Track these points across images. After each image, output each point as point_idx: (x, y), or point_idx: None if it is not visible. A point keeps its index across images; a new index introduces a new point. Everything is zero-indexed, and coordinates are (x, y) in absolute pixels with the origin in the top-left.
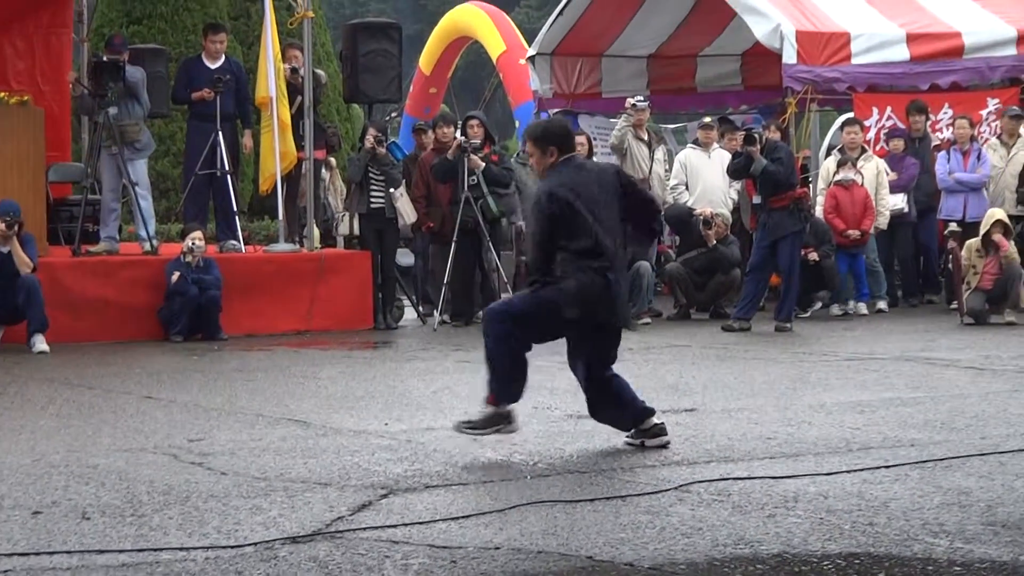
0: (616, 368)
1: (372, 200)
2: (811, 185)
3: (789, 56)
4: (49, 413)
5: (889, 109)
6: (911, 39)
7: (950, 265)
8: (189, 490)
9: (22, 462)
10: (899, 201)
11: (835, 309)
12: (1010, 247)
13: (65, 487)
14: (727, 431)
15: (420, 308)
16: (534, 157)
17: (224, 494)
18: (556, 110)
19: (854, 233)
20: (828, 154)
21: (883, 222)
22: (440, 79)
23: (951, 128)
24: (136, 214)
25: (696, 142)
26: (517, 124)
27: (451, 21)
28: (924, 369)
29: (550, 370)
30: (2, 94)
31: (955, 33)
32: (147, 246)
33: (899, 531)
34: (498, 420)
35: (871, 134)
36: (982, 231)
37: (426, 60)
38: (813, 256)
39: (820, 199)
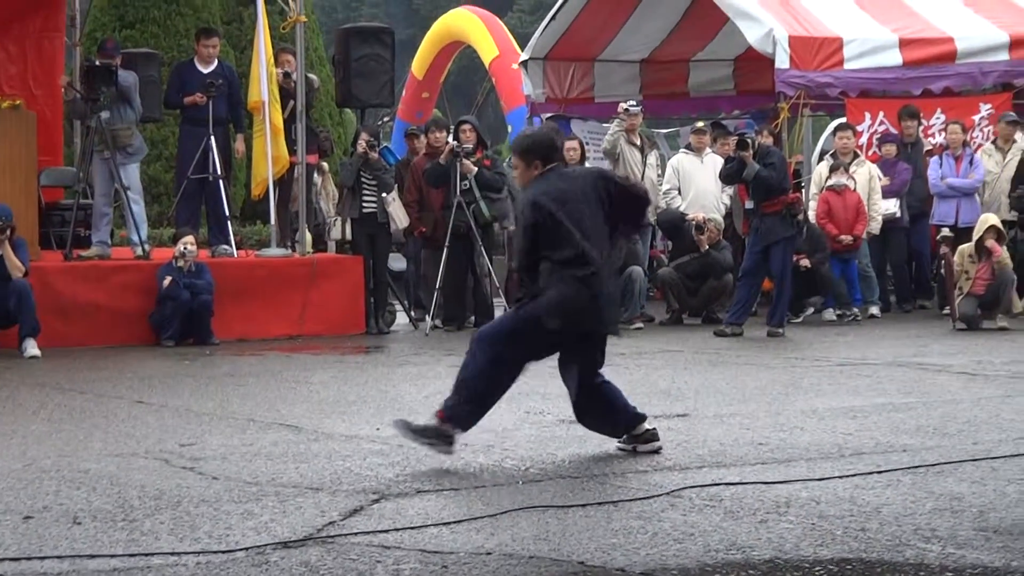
0: (608, 373)
1: (364, 205)
2: (803, 190)
3: (782, 61)
4: (40, 418)
5: (882, 114)
6: (904, 44)
7: (942, 270)
8: (180, 495)
9: (13, 467)
10: (892, 206)
11: (828, 313)
12: (1003, 253)
13: (56, 492)
14: (719, 436)
15: (412, 313)
16: (518, 170)
17: (215, 499)
18: (549, 115)
19: (846, 238)
20: (820, 159)
21: (875, 227)
22: (433, 84)
23: (943, 133)
24: (128, 218)
25: (689, 147)
26: (510, 129)
27: (444, 26)
28: (916, 374)
29: (543, 375)
30: None
31: (948, 38)
32: (139, 251)
33: (891, 537)
34: (438, 436)
35: (863, 139)
36: (975, 237)
37: (419, 65)
38: (804, 263)
39: (813, 204)
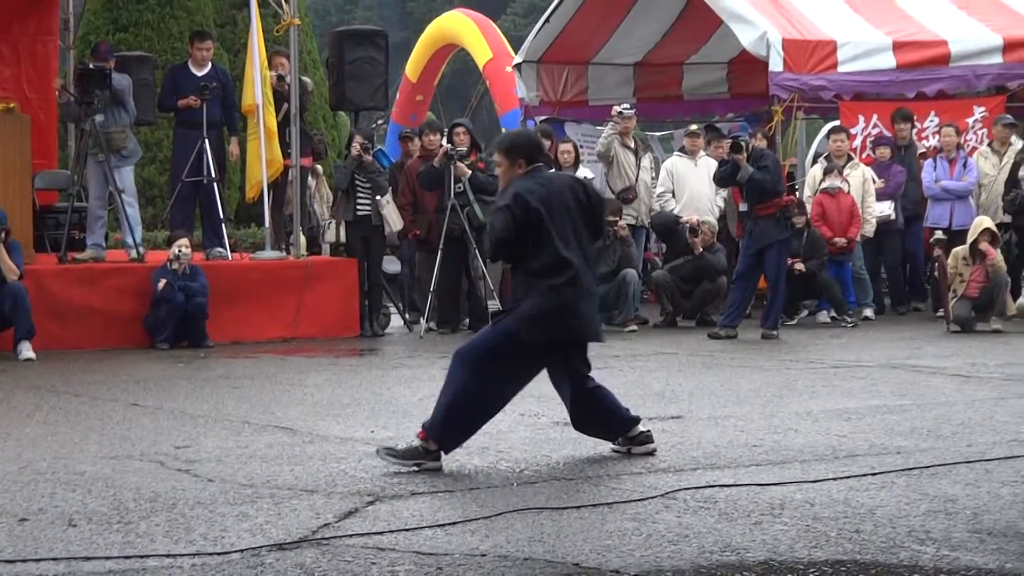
0: (602, 375)
1: (358, 207)
2: (797, 193)
3: (775, 64)
4: (36, 420)
5: (875, 117)
6: (897, 47)
7: (936, 273)
8: (176, 497)
9: (8, 469)
10: (887, 208)
11: (823, 316)
12: (997, 255)
13: (52, 494)
14: (713, 438)
15: (406, 315)
16: (501, 168)
17: (211, 501)
18: (543, 117)
19: (840, 241)
20: (814, 162)
21: (869, 230)
22: (426, 87)
23: (937, 136)
24: (122, 221)
25: (683, 150)
26: (503, 132)
27: (437, 28)
28: (910, 377)
29: (537, 378)
30: None
31: (941, 41)
32: (133, 253)
33: (885, 538)
34: (422, 455)
35: (857, 142)
36: (970, 239)
37: (412, 67)
38: (799, 267)
39: (807, 207)
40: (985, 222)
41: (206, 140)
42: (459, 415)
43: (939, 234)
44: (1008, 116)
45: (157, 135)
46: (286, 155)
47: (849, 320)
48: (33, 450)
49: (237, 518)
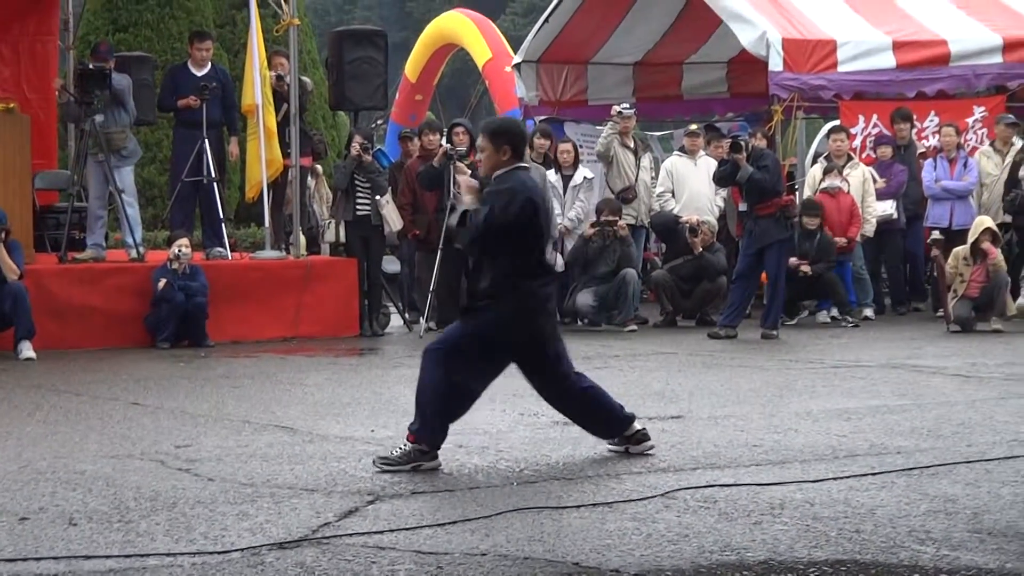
0: (601, 375)
1: (358, 207)
2: (797, 193)
3: (775, 64)
4: (36, 420)
5: (875, 117)
6: (897, 47)
7: (935, 273)
8: (176, 496)
9: (9, 468)
10: (889, 208)
11: (823, 316)
12: (998, 255)
13: (52, 493)
14: (713, 438)
15: (406, 315)
16: (485, 152)
17: (211, 500)
18: (542, 117)
19: (840, 241)
20: (814, 162)
21: (869, 229)
22: (426, 86)
23: (937, 136)
24: (122, 221)
25: (682, 149)
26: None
27: (437, 28)
28: (910, 376)
29: None
30: None
31: (941, 41)
32: (133, 253)
33: (886, 538)
34: (417, 457)
35: (857, 142)
36: (970, 239)
37: (412, 67)
38: (805, 268)
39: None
40: (986, 222)
41: (206, 140)
42: (435, 410)
43: (936, 234)
44: (1010, 116)
45: (157, 135)
46: (286, 155)
47: (850, 320)
48: (34, 449)
49: (237, 517)
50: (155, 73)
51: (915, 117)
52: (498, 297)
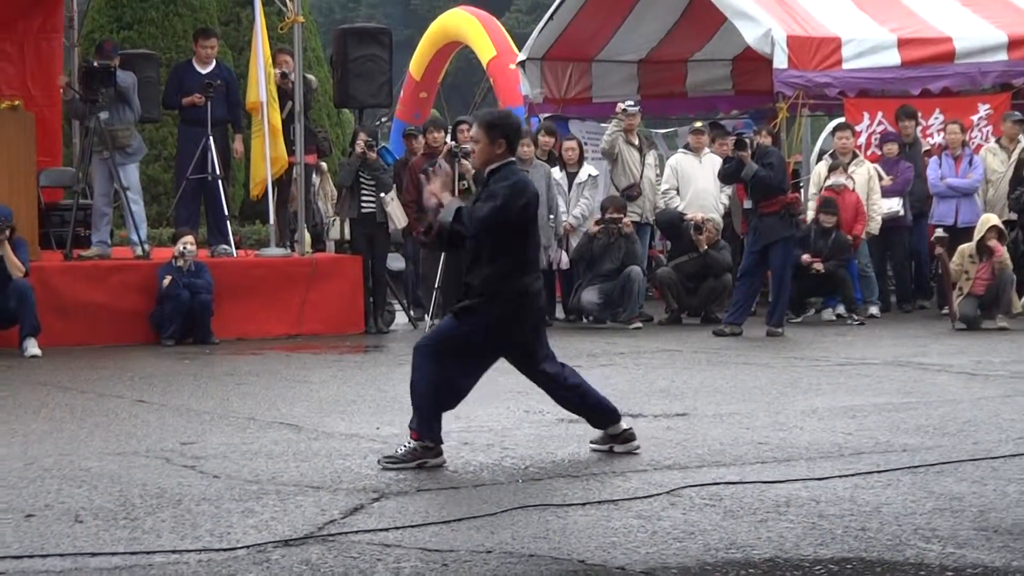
0: (606, 372)
1: (363, 205)
2: (802, 190)
3: (780, 61)
4: (42, 417)
5: (880, 114)
6: (902, 44)
7: (940, 270)
8: (181, 493)
9: (14, 466)
10: (895, 205)
11: (828, 313)
12: (1004, 253)
13: (58, 490)
14: (719, 436)
15: (411, 312)
16: (480, 144)
17: (216, 497)
18: (547, 115)
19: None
20: (819, 159)
21: (875, 227)
22: (430, 84)
23: (942, 133)
24: (127, 218)
25: (687, 147)
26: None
27: (441, 26)
28: (916, 374)
29: None
30: None
31: (946, 38)
32: (139, 250)
33: (891, 536)
34: (422, 454)
35: (862, 139)
36: (976, 237)
37: (416, 65)
38: (818, 266)
39: (811, 204)
40: (992, 219)
41: (210, 138)
42: (431, 404)
43: (939, 232)
44: (1017, 113)
45: (162, 132)
46: (290, 152)
47: (855, 318)
48: (39, 446)
49: (243, 514)
50: (160, 71)
51: (920, 115)
52: (492, 295)
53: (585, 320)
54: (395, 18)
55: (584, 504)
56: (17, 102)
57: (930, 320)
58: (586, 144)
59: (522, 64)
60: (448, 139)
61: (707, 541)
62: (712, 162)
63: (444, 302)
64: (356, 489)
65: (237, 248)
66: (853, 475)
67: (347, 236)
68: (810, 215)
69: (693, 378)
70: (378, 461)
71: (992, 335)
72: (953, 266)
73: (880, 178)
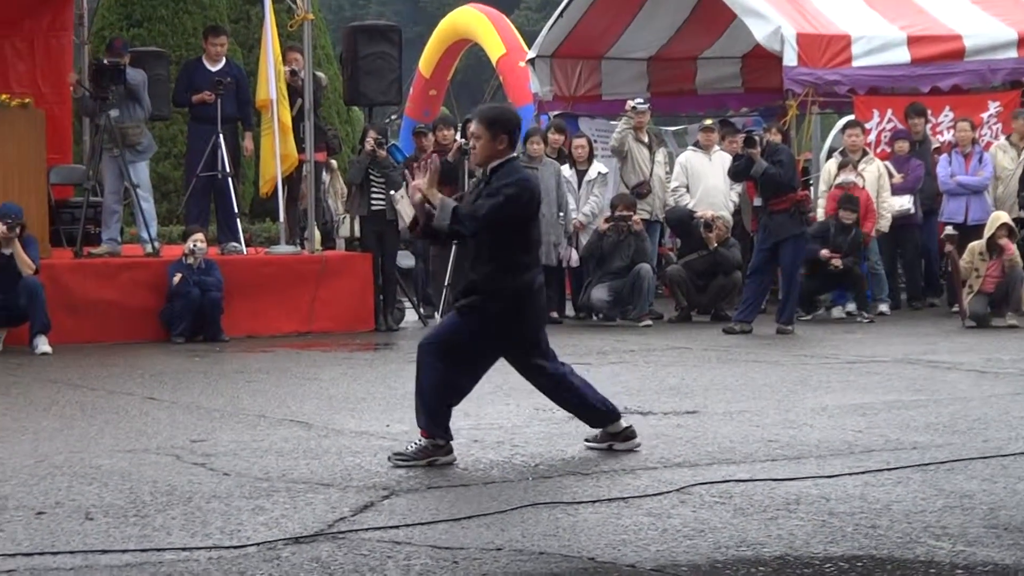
0: (616, 370)
1: (373, 202)
2: (812, 188)
3: (790, 58)
4: (52, 414)
5: (890, 111)
6: (912, 42)
7: (949, 268)
8: (192, 491)
9: (25, 463)
10: (906, 202)
11: (838, 311)
12: (1014, 250)
13: (68, 488)
14: (729, 433)
15: (421, 310)
16: (481, 140)
17: (227, 495)
18: (556, 112)
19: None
20: (829, 156)
21: (884, 225)
22: (440, 82)
23: (952, 131)
24: (138, 216)
25: (697, 144)
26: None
27: (450, 23)
28: (926, 372)
29: None
30: (3, 96)
31: (956, 36)
32: (149, 248)
33: (901, 534)
34: (432, 452)
35: (872, 136)
36: (987, 234)
37: (426, 63)
38: (836, 263)
39: (821, 202)
40: (1003, 217)
41: (220, 135)
42: (438, 400)
43: (950, 229)
44: None
45: (172, 130)
46: (300, 150)
47: (866, 316)
48: (50, 444)
49: (253, 512)
50: (170, 68)
51: (930, 112)
52: (495, 292)
53: (595, 318)
54: (405, 15)
55: (594, 502)
56: (27, 100)
57: (940, 318)
58: (596, 142)
59: (532, 62)
60: (458, 136)
61: (717, 539)
62: (722, 160)
63: (454, 299)
64: (366, 486)
65: (247, 245)
66: (863, 473)
67: (357, 234)
68: (820, 213)
69: (703, 376)
70: (388, 458)
71: (1002, 333)
72: (963, 264)
73: (891, 176)
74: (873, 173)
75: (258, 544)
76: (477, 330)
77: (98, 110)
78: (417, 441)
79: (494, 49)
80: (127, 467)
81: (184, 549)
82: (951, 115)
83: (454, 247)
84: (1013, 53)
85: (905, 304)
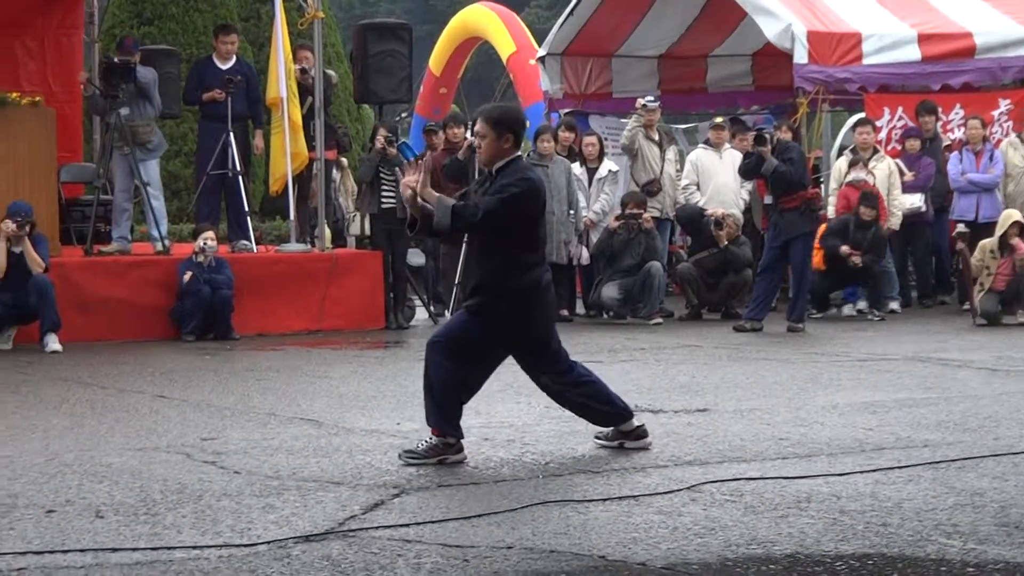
0: (627, 368)
1: (383, 200)
2: (823, 186)
3: (800, 56)
4: (62, 412)
5: (900, 109)
6: (922, 39)
7: (960, 266)
8: (202, 489)
9: (36, 461)
10: (917, 201)
11: (848, 309)
12: None
13: (79, 486)
14: (739, 431)
15: (431, 308)
16: (486, 140)
17: (237, 493)
18: (567, 110)
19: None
20: (840, 154)
21: (895, 223)
22: (450, 79)
23: (963, 129)
24: (148, 214)
25: (707, 142)
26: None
27: (461, 21)
28: (937, 370)
29: None
30: (14, 95)
31: (966, 33)
32: (159, 246)
33: (912, 532)
34: (443, 450)
35: (883, 134)
36: (998, 232)
37: (436, 61)
38: (856, 260)
39: (832, 200)
40: (1015, 215)
41: (231, 133)
42: (449, 399)
43: (961, 227)
44: None
45: (182, 128)
46: (311, 148)
47: (877, 314)
48: (60, 442)
49: (263, 510)
50: (180, 66)
51: (940, 110)
52: (503, 290)
53: (605, 316)
54: (415, 13)
55: (605, 500)
56: (38, 98)
57: (951, 316)
58: (606, 139)
59: (542, 60)
60: (468, 135)
61: (728, 537)
62: (732, 158)
63: (463, 298)
64: (377, 485)
65: (257, 244)
66: (874, 471)
67: (367, 232)
68: (830, 210)
69: (713, 374)
70: (399, 456)
71: (1013, 331)
72: (974, 261)
73: (902, 174)
74: (884, 171)
75: (268, 542)
76: (485, 328)
77: (108, 108)
78: (428, 439)
79: (504, 47)
80: (137, 465)
81: (194, 547)
82: (962, 113)
83: (464, 245)
84: (1023, 51)
85: (916, 302)
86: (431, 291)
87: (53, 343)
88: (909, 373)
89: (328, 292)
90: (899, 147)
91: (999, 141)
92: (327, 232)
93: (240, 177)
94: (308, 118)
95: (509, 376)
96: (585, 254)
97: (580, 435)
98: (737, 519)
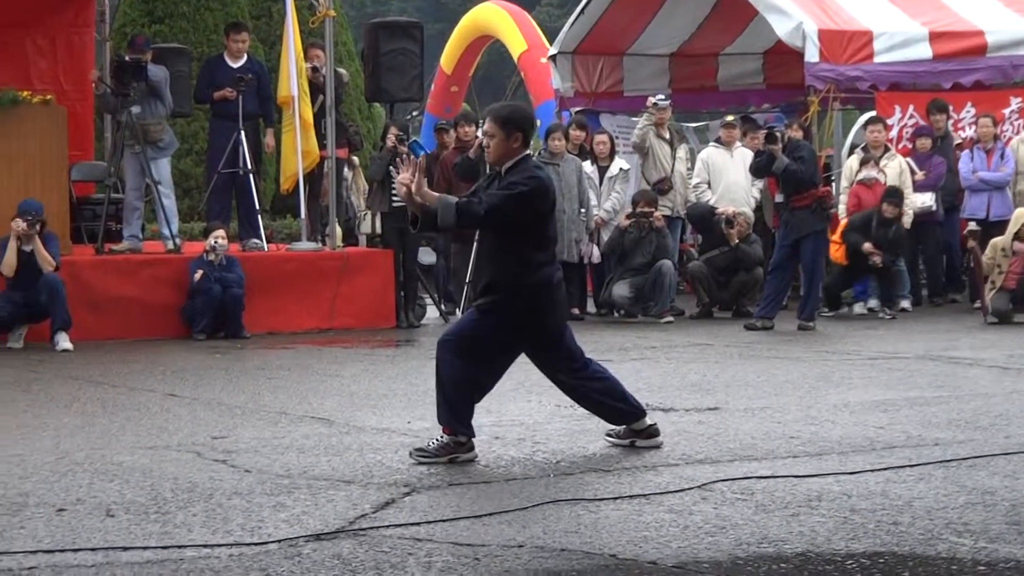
0: (638, 367)
1: (394, 199)
2: (834, 184)
3: (811, 55)
4: (73, 411)
5: (911, 108)
6: (934, 37)
7: (972, 264)
8: (213, 487)
9: (46, 460)
10: (928, 199)
11: (859, 307)
12: None
13: (89, 484)
14: (750, 430)
15: (442, 306)
16: (495, 139)
17: (248, 491)
18: (578, 108)
19: None
20: (851, 153)
21: (907, 221)
22: (461, 78)
23: (974, 127)
24: (159, 213)
25: (718, 141)
26: (538, 123)
27: (472, 20)
28: (948, 368)
29: None
30: (25, 93)
31: (978, 31)
32: (170, 244)
33: (923, 530)
34: (454, 449)
35: (894, 132)
36: (1010, 231)
37: (447, 59)
38: (877, 260)
39: (843, 198)
40: None
41: (242, 132)
42: (461, 398)
43: (972, 225)
44: None
45: (193, 127)
46: (322, 146)
47: (888, 312)
48: (71, 440)
49: (274, 509)
50: (191, 65)
51: (951, 108)
52: (515, 289)
53: (616, 314)
54: (426, 12)
55: (615, 498)
56: (49, 96)
57: (962, 314)
58: (617, 138)
59: (553, 58)
60: (479, 133)
61: (739, 535)
62: (743, 156)
63: (474, 298)
64: (387, 483)
65: (268, 242)
66: (885, 469)
67: (378, 230)
68: (841, 209)
69: (724, 372)
70: (410, 454)
71: None
72: (985, 260)
73: (913, 172)
74: (895, 169)
75: (279, 541)
76: (496, 327)
77: (120, 107)
78: (439, 438)
79: (515, 45)
80: (148, 464)
81: (205, 546)
82: (973, 111)
83: (475, 244)
84: None
85: (927, 300)
86: (442, 290)
87: (64, 342)
88: (920, 371)
89: (339, 291)
90: (910, 146)
91: (1010, 139)
92: (338, 231)
93: (251, 176)
94: (319, 116)
95: (521, 375)
96: (596, 252)
97: (591, 434)
98: (748, 518)
